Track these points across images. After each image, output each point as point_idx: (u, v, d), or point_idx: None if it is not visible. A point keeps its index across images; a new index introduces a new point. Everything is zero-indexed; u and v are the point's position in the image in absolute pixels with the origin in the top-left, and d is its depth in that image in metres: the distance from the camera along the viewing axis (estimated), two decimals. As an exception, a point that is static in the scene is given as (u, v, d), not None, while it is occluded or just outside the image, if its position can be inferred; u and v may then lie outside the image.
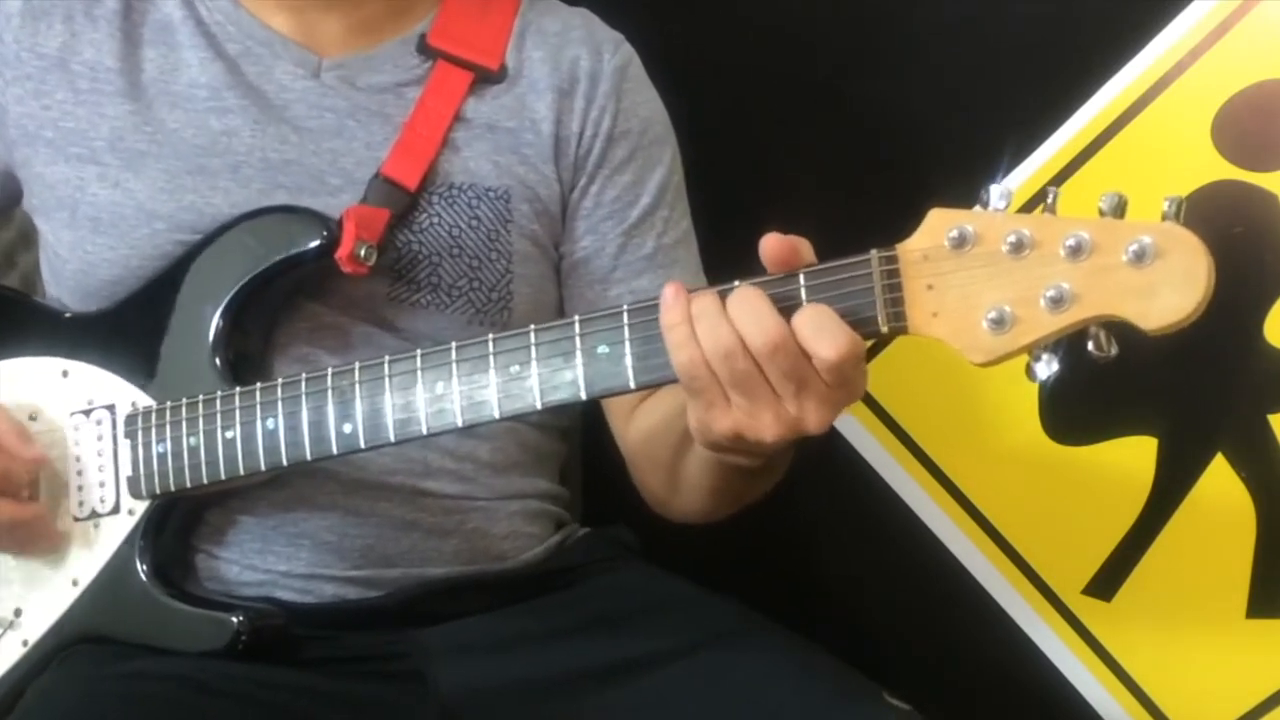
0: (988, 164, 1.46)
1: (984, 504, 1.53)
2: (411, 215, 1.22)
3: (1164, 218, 0.86)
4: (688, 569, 1.30)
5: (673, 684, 1.13)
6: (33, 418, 1.26)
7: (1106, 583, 1.48)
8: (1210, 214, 1.38)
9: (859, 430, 1.56)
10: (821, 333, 0.92)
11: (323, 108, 1.25)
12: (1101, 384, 1.47)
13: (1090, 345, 0.89)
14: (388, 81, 1.27)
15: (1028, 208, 1.46)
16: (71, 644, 1.22)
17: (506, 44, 1.30)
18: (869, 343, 0.96)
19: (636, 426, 1.28)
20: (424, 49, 1.28)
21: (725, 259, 1.39)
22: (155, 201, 1.22)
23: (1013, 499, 1.52)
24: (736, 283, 0.97)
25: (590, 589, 1.26)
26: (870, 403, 1.56)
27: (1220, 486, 1.42)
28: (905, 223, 1.50)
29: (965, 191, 1.47)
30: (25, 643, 1.24)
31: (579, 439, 1.52)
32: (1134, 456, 1.44)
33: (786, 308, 0.94)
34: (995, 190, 0.91)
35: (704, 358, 0.95)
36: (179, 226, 1.21)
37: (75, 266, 1.24)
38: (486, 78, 1.28)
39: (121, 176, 1.23)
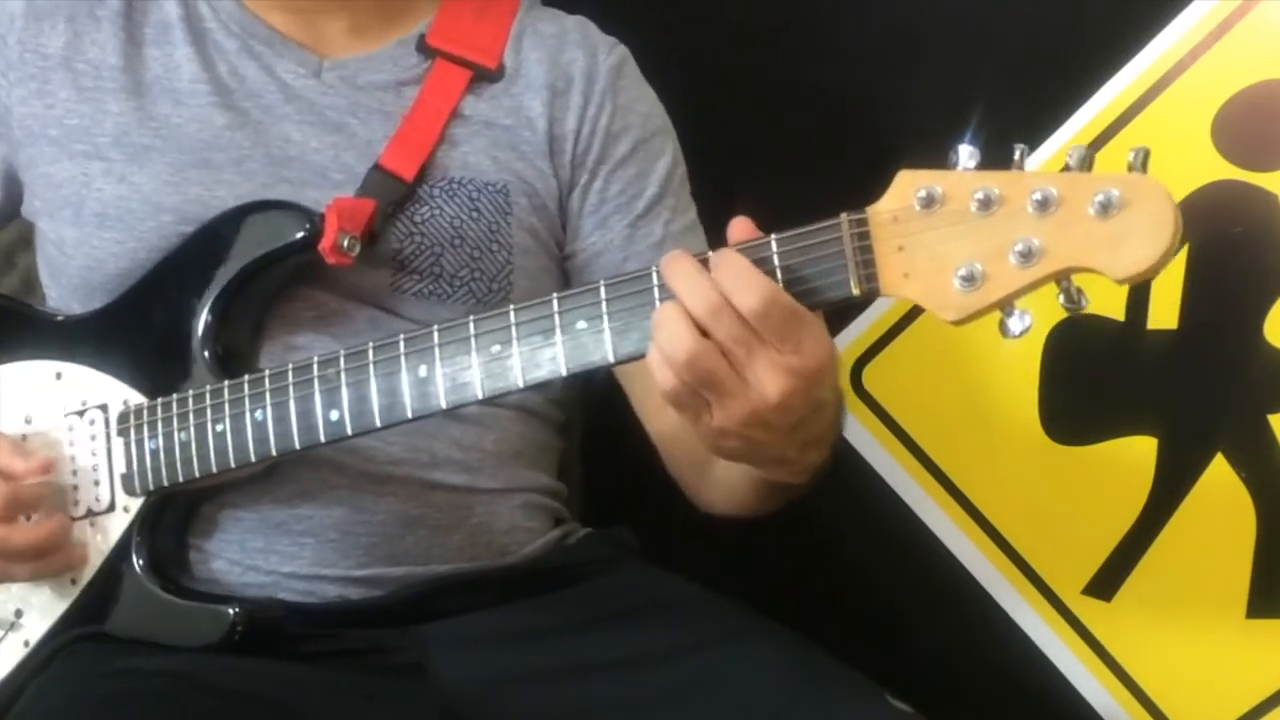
0: (989, 164, 1.46)
1: (984, 504, 1.53)
2: (413, 207, 1.24)
3: (1129, 168, 0.87)
4: (688, 570, 1.30)
5: (675, 681, 1.13)
6: (28, 421, 1.27)
7: (1106, 583, 1.47)
8: (1210, 214, 1.38)
9: (859, 430, 1.56)
10: (739, 281, 0.93)
11: (324, 105, 1.27)
12: (1101, 384, 1.47)
13: (1061, 298, 0.89)
14: (387, 80, 1.29)
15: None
16: (73, 643, 1.22)
17: (504, 45, 1.32)
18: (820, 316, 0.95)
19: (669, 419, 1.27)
20: (423, 48, 1.31)
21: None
22: (161, 194, 1.23)
23: (1013, 499, 1.52)
24: (709, 252, 0.97)
25: (592, 587, 1.26)
26: (870, 403, 1.57)
27: (1220, 486, 1.41)
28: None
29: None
30: (27, 643, 1.25)
31: (579, 440, 1.52)
32: (1134, 456, 1.44)
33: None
34: (964, 150, 0.92)
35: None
36: (186, 219, 1.22)
37: (81, 263, 1.25)
38: (484, 76, 1.30)
39: (126, 171, 1.24)
